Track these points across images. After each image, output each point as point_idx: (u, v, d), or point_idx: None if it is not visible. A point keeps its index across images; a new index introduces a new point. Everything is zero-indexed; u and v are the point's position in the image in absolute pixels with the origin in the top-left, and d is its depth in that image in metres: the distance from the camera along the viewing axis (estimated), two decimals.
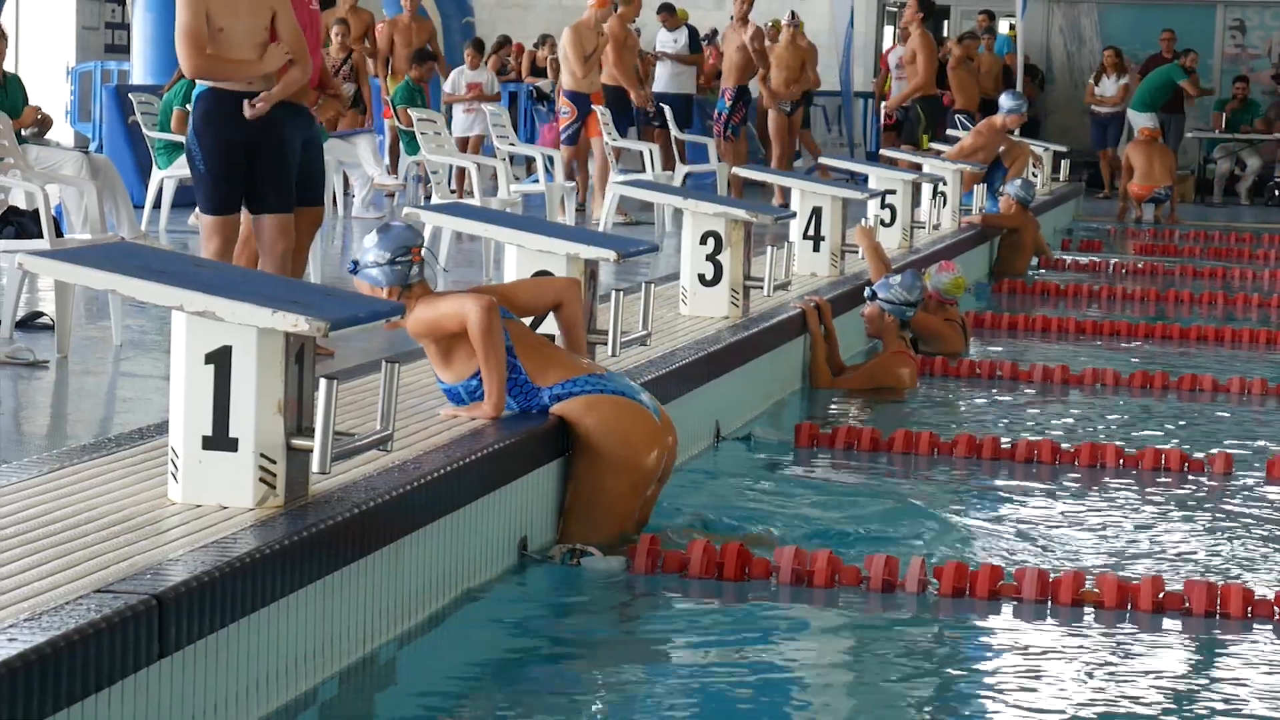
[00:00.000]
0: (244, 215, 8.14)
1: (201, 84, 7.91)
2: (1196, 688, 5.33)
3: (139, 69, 17.20)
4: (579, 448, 6.30)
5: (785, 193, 16.97)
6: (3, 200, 9.33)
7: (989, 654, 5.68)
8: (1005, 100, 16.53)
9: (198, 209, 8.25)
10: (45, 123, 13.04)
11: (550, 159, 16.84)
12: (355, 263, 6.24)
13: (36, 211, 9.15)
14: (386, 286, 6.15)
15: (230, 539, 4.56)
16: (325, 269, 11.65)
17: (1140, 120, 23.24)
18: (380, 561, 5.07)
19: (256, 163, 7.95)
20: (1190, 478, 7.96)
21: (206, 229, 8.08)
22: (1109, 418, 9.50)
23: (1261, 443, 8.81)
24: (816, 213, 11.19)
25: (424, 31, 19.19)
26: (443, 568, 5.50)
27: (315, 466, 4.90)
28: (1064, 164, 21.98)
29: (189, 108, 8.46)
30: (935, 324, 10.91)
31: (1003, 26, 26.35)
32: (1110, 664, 5.48)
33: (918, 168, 15.07)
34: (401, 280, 6.16)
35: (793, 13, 20.19)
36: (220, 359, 4.85)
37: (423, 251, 6.23)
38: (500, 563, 5.93)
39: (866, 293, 9.91)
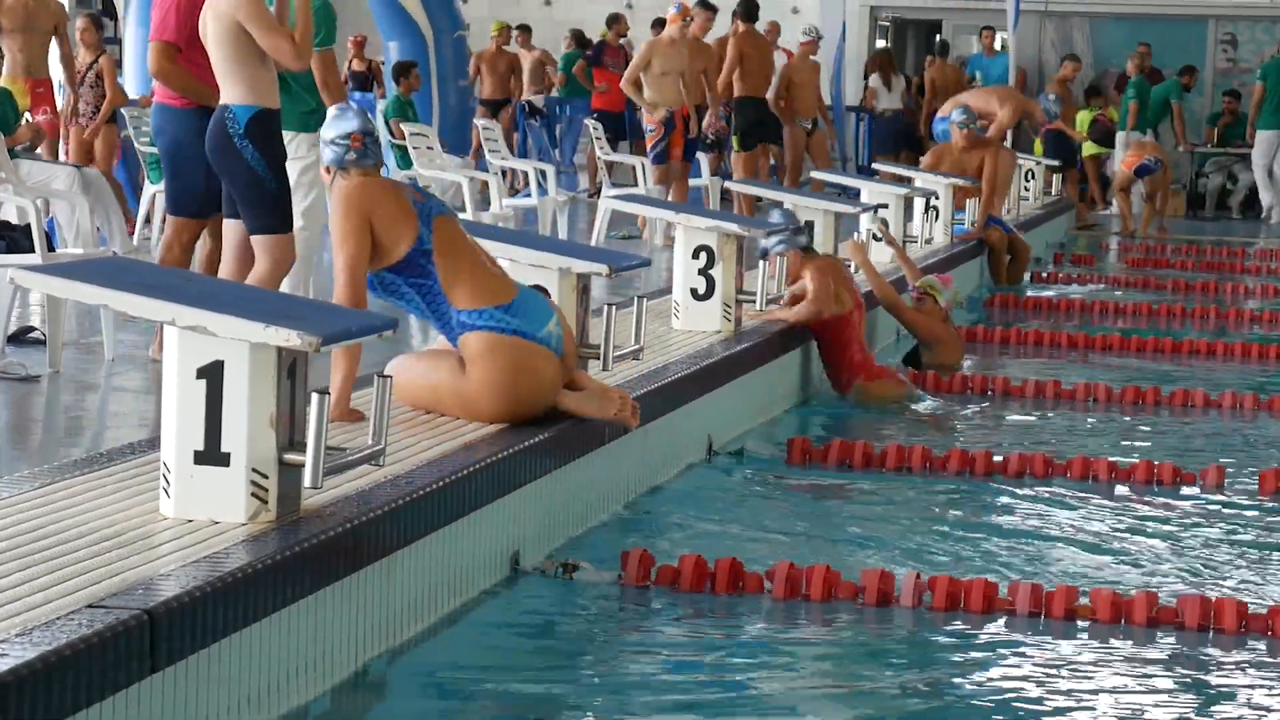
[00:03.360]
0: (237, 227, 8.10)
1: (253, 105, 7.70)
2: (1190, 702, 5.32)
3: (131, 83, 17.16)
4: (473, 374, 6.43)
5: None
6: None
7: (983, 668, 5.67)
8: (954, 113, 16.34)
9: (260, 231, 7.95)
10: (38, 137, 13.03)
11: (543, 173, 16.84)
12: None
13: (28, 226, 9.14)
14: (326, 165, 6.56)
15: (222, 554, 4.56)
16: (317, 282, 11.62)
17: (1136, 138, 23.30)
18: (372, 576, 5.06)
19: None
20: (1183, 491, 7.96)
21: (284, 245, 7.86)
22: (1101, 432, 9.50)
23: (1254, 456, 8.81)
24: (809, 227, 11.18)
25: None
26: (435, 582, 5.50)
27: (307, 481, 4.89)
28: (1056, 178, 22.01)
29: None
30: (939, 328, 10.98)
31: (995, 42, 26.37)
32: (1104, 678, 5.48)
33: (908, 181, 15.07)
34: (337, 162, 6.49)
35: (814, 27, 20.10)
36: (212, 374, 4.84)
37: (365, 140, 6.48)
38: (492, 577, 5.93)
39: (759, 251, 9.81)
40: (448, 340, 6.54)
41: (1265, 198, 23.69)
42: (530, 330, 6.40)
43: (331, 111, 6.67)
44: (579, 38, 24.87)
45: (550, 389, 6.48)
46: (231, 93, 7.64)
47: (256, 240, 7.83)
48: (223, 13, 7.68)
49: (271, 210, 7.76)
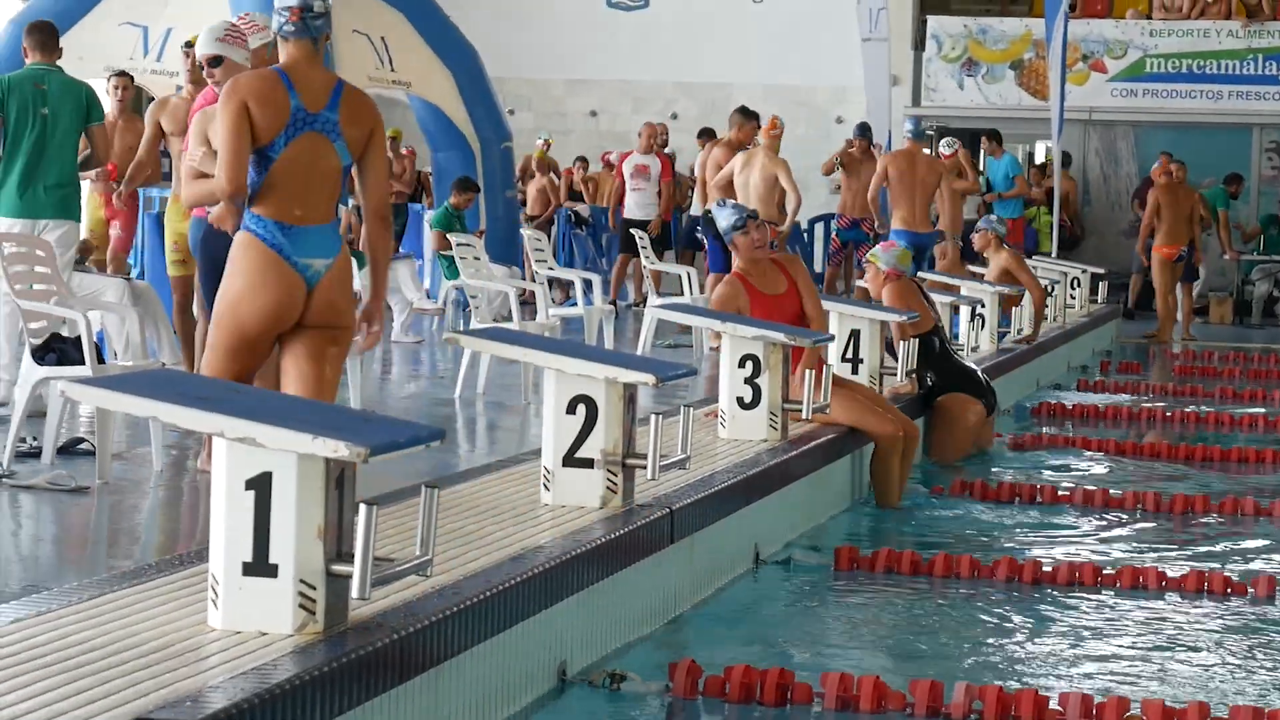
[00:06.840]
0: None
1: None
2: None
3: None
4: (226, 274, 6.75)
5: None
6: (45, 327, 9.39)
7: None
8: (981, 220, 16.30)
9: None
10: (87, 250, 13.13)
11: (588, 282, 16.90)
12: None
13: (79, 338, 9.20)
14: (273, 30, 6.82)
15: (270, 665, 4.55)
16: (364, 392, 11.68)
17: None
18: (420, 688, 5.05)
19: None
20: (1233, 601, 7.90)
21: None
22: (1150, 540, 9.44)
23: None
24: (855, 335, 11.20)
25: (131, 133, 14.19)
26: (482, 693, 5.48)
27: (355, 592, 4.89)
28: (1102, 286, 21.98)
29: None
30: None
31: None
32: None
33: (954, 290, 15.09)
34: (277, 29, 6.79)
35: (954, 139, 20.19)
36: (261, 485, 4.85)
37: (304, 14, 6.75)
38: (540, 688, 5.91)
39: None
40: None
41: None
42: (289, 253, 6.67)
43: None
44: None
45: (273, 308, 6.68)
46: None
47: None
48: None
49: None
